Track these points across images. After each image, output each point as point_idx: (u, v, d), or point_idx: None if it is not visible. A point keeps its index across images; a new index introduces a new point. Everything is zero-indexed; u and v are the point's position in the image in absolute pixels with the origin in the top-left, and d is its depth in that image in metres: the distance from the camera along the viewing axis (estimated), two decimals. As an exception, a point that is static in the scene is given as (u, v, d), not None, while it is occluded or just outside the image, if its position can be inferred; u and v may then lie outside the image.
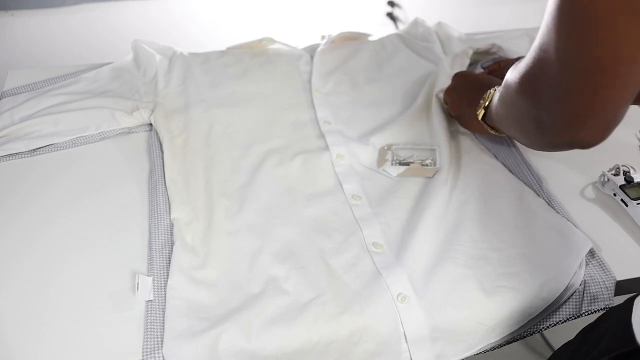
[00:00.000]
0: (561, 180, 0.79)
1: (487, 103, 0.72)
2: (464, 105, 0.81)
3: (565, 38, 0.47)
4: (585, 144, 0.52)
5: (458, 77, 0.85)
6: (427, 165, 0.79)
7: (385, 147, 0.82)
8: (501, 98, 0.64)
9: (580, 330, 0.61)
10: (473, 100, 0.76)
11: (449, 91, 0.85)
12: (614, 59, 0.46)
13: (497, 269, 0.66)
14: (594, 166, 0.80)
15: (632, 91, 0.49)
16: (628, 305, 0.53)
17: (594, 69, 0.47)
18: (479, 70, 0.96)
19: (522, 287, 0.64)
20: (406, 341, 0.61)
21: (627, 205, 0.74)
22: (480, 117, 0.74)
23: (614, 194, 0.76)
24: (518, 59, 0.88)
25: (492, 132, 0.75)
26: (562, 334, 1.28)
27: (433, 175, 0.77)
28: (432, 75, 0.94)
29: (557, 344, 1.33)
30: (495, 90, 0.71)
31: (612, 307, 0.61)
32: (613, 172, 0.77)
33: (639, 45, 0.45)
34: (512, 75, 0.58)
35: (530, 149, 0.84)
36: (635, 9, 0.43)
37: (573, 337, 0.63)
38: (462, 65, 0.95)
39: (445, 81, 0.91)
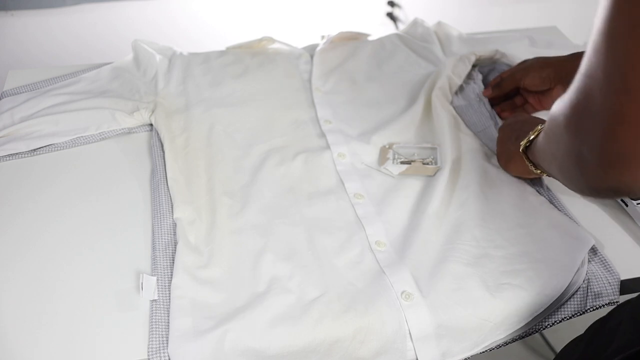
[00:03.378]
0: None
1: (532, 136, 0.65)
2: (511, 141, 0.74)
3: (616, 59, 0.40)
4: (633, 189, 0.45)
5: (516, 116, 0.80)
6: (428, 164, 0.79)
7: (387, 146, 0.82)
8: (545, 131, 0.57)
9: (591, 326, 0.61)
10: (522, 135, 0.69)
11: (502, 127, 0.79)
12: None
13: (500, 266, 0.66)
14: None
15: None
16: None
17: None
18: (477, 75, 0.95)
19: (526, 285, 0.64)
20: (411, 339, 0.61)
21: (627, 206, 0.74)
22: (522, 148, 0.68)
23: (615, 194, 0.76)
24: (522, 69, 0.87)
25: (534, 169, 0.68)
26: (562, 334, 1.28)
27: (434, 174, 0.77)
28: (433, 74, 0.94)
29: (557, 344, 1.33)
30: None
31: (624, 302, 0.60)
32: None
33: None
34: (557, 106, 0.50)
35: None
36: None
37: (579, 334, 0.62)
38: (464, 70, 0.95)
39: (446, 81, 0.91)
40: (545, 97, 0.87)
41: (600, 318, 0.61)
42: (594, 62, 0.42)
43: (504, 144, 0.77)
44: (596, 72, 0.42)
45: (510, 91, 0.90)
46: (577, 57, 0.82)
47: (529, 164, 0.68)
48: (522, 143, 0.67)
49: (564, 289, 0.64)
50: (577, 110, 0.46)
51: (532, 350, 1.36)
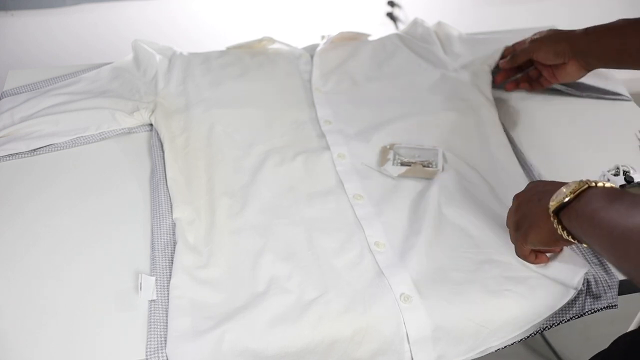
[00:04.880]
0: (562, 180, 0.79)
1: (570, 197, 0.55)
2: (533, 202, 0.62)
3: None
4: None
5: (535, 184, 0.67)
6: (428, 166, 0.79)
7: (387, 146, 0.82)
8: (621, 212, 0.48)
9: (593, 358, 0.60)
10: (547, 195, 0.58)
11: (519, 194, 0.66)
12: None
13: (502, 272, 0.66)
14: (594, 166, 0.80)
15: None
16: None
17: None
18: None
19: (527, 293, 0.64)
20: (408, 341, 0.61)
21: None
22: (552, 210, 0.56)
23: (615, 194, 0.75)
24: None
25: (565, 235, 0.57)
26: (562, 334, 1.28)
27: (433, 177, 0.77)
28: (437, 75, 0.94)
29: (557, 343, 1.33)
30: (594, 186, 0.55)
31: (626, 333, 0.60)
32: (613, 172, 0.77)
33: None
34: None
35: (529, 148, 0.84)
36: None
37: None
38: (487, 82, 0.93)
39: (450, 83, 0.91)
40: (559, 71, 0.85)
41: (603, 350, 0.59)
42: None
43: (522, 208, 0.64)
44: None
45: (524, 64, 0.89)
46: (591, 32, 0.82)
47: (560, 229, 0.57)
48: (552, 205, 0.56)
49: (565, 302, 0.64)
50: None
51: (532, 350, 1.36)
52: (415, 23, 1.06)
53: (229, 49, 1.02)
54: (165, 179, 0.77)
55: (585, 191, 0.55)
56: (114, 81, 0.94)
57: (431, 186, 0.76)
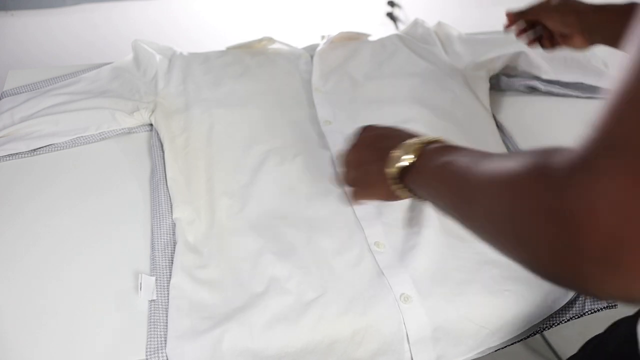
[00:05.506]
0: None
1: (408, 161, 0.51)
2: (371, 163, 0.57)
3: None
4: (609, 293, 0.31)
5: (370, 129, 0.63)
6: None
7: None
8: (469, 167, 0.42)
9: (587, 342, 0.60)
10: (385, 154, 0.54)
11: (354, 145, 0.62)
12: None
13: (502, 272, 0.66)
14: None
15: None
16: (636, 317, 0.51)
17: None
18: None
19: (527, 293, 0.64)
20: (408, 342, 0.61)
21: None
22: (391, 175, 0.52)
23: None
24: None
25: (406, 194, 0.53)
26: (562, 334, 1.28)
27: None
28: (437, 76, 0.94)
29: (557, 343, 1.33)
30: (435, 143, 0.51)
31: (621, 319, 0.59)
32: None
33: None
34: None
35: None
36: None
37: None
38: (484, 89, 0.94)
39: (450, 85, 0.91)
40: (565, 40, 0.85)
41: (597, 335, 0.59)
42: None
43: (361, 167, 0.59)
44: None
45: (533, 23, 0.89)
46: (600, 10, 0.82)
47: (398, 188, 0.52)
48: (390, 170, 0.52)
49: (564, 302, 0.64)
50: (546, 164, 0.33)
51: (532, 350, 1.36)
52: (416, 23, 1.06)
53: (229, 49, 1.02)
54: (165, 179, 0.77)
55: (424, 150, 0.51)
56: (114, 81, 0.94)
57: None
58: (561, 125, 0.90)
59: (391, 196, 0.55)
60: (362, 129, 0.62)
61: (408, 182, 0.52)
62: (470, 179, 0.42)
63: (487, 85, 0.94)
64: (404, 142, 0.52)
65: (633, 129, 0.29)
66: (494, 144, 0.84)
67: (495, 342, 0.64)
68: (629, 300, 0.30)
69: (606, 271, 0.29)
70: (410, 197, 0.53)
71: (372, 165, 0.56)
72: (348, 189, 0.62)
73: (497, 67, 0.97)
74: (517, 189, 0.35)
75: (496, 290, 0.64)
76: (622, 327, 0.56)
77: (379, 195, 0.58)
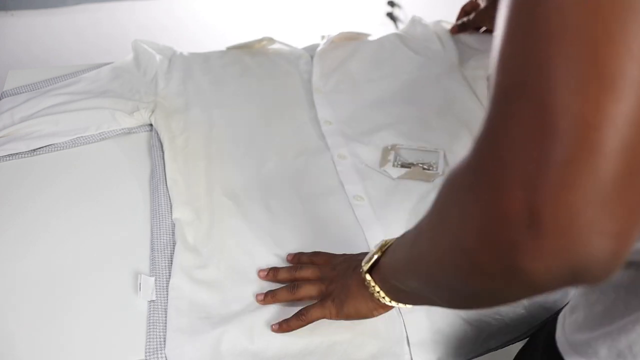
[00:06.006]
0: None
1: (377, 255, 0.54)
2: (347, 276, 0.59)
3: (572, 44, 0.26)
4: (609, 267, 0.28)
5: (335, 257, 0.64)
6: (429, 169, 0.79)
7: (389, 147, 0.82)
8: (416, 231, 0.43)
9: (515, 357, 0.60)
10: (359, 263, 0.56)
11: (330, 273, 0.61)
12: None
13: None
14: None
15: None
16: (554, 324, 0.51)
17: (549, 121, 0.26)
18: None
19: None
20: (408, 344, 0.61)
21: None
22: (365, 270, 0.54)
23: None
24: None
25: (382, 297, 0.54)
26: (562, 334, 1.27)
27: (433, 181, 0.77)
28: (437, 75, 0.94)
29: (557, 344, 1.33)
30: (391, 242, 0.53)
31: (540, 327, 0.59)
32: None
33: None
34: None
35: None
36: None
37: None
38: (482, 86, 0.94)
39: (449, 84, 0.91)
40: None
41: (522, 347, 0.60)
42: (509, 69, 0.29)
43: (339, 282, 0.60)
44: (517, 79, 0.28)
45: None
46: None
47: (376, 292, 0.54)
48: (365, 265, 0.54)
49: (564, 303, 0.64)
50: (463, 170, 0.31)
51: (532, 350, 1.36)
52: (414, 21, 1.06)
53: (229, 49, 1.02)
54: (165, 179, 0.77)
55: (388, 243, 0.53)
56: (114, 81, 0.94)
57: (432, 188, 0.76)
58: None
59: (370, 304, 0.56)
60: (339, 260, 0.63)
61: (376, 281, 0.54)
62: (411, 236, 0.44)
63: (485, 83, 0.94)
64: (367, 255, 0.55)
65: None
66: None
67: (494, 344, 0.64)
68: (570, 271, 0.28)
69: (532, 235, 0.27)
70: (388, 303, 0.54)
71: (349, 275, 0.58)
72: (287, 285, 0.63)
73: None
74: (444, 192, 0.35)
75: None
76: (541, 335, 0.55)
77: (358, 305, 0.57)
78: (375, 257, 0.54)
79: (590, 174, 0.26)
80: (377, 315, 0.58)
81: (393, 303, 0.54)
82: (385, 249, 0.53)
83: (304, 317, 0.59)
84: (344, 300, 0.58)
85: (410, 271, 0.45)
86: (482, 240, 0.30)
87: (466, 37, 1.04)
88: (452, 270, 0.34)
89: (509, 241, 0.28)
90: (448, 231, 0.34)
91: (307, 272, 0.63)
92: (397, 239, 0.50)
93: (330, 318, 0.59)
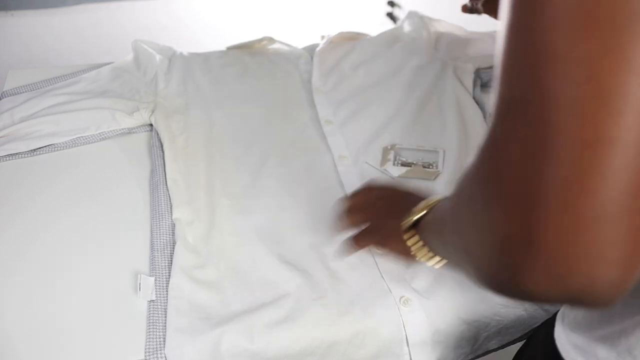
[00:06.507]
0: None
1: (418, 215, 0.52)
2: (393, 216, 0.57)
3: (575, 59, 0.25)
4: (615, 293, 0.27)
5: (392, 186, 0.62)
6: (429, 167, 0.79)
7: (389, 147, 0.82)
8: (449, 208, 0.42)
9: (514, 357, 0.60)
10: (405, 211, 0.55)
11: (376, 198, 0.62)
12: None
13: None
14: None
15: None
16: (553, 322, 0.51)
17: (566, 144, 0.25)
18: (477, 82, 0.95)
19: None
20: (407, 344, 0.61)
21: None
22: (404, 227, 0.53)
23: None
24: None
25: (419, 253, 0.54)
26: (562, 334, 1.27)
27: (435, 179, 0.77)
28: (434, 74, 0.94)
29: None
30: (441, 200, 0.52)
31: (539, 327, 0.58)
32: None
33: None
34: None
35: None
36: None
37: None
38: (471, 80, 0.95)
39: (446, 82, 0.91)
40: None
41: (521, 347, 0.59)
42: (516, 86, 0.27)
43: (379, 219, 0.60)
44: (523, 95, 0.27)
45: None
46: None
47: (415, 244, 0.53)
48: (404, 222, 0.53)
49: (563, 305, 0.63)
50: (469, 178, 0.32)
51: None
52: (411, 19, 1.06)
53: (229, 49, 1.02)
54: (165, 179, 0.77)
55: (436, 202, 0.51)
56: (114, 81, 0.94)
57: (433, 188, 0.76)
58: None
59: (406, 251, 0.55)
60: (370, 187, 0.63)
61: (420, 235, 0.53)
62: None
63: (472, 76, 0.94)
64: (418, 205, 0.53)
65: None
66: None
67: (493, 345, 0.64)
68: (572, 295, 0.27)
69: (531, 257, 0.26)
70: (422, 250, 0.54)
71: (390, 220, 0.57)
72: (352, 233, 0.62)
73: (488, 62, 0.97)
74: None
75: None
76: (540, 334, 0.55)
77: (394, 246, 0.58)
78: (417, 217, 0.53)
79: (588, 196, 0.25)
80: (414, 263, 0.57)
81: (423, 260, 0.54)
82: (430, 207, 0.52)
83: (356, 244, 0.60)
84: (386, 237, 0.58)
85: (441, 243, 0.46)
86: (486, 252, 0.30)
87: (457, 31, 1.04)
88: (470, 269, 0.34)
89: (510, 258, 0.28)
90: (461, 234, 0.35)
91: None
92: (440, 203, 0.49)
93: (377, 249, 0.61)
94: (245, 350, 0.59)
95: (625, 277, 0.26)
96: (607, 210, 0.25)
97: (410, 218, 0.53)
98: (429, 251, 0.53)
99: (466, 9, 1.00)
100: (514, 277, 0.28)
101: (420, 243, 0.53)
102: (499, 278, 0.29)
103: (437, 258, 0.53)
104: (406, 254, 0.56)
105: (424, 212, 0.52)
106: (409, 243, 0.54)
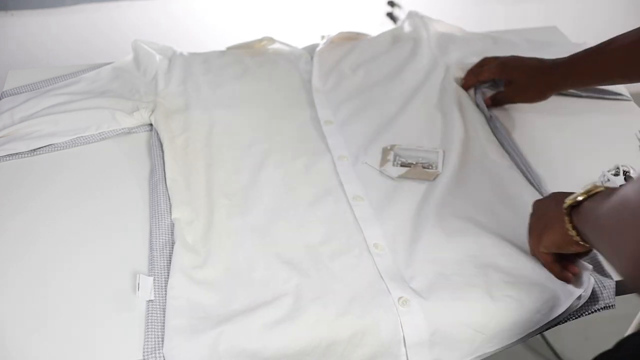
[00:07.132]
0: (561, 180, 0.79)
1: (583, 197, 0.56)
2: (551, 207, 0.62)
3: None
4: None
5: (553, 193, 0.66)
6: (428, 168, 0.79)
7: (389, 147, 0.82)
8: (614, 208, 0.47)
9: (597, 357, 0.60)
10: (564, 198, 0.58)
11: (537, 201, 0.68)
12: None
13: (504, 277, 0.65)
14: (594, 166, 0.80)
15: None
16: None
17: None
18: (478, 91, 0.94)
19: (526, 300, 0.63)
20: (405, 345, 0.61)
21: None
22: (566, 205, 0.57)
23: (615, 195, 0.75)
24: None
25: (575, 236, 0.57)
26: (562, 334, 1.28)
27: (434, 179, 0.77)
28: (433, 74, 0.94)
29: (557, 343, 1.33)
30: (605, 190, 0.55)
31: (631, 334, 0.58)
32: (613, 172, 0.77)
33: None
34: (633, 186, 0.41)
35: (529, 147, 0.84)
36: None
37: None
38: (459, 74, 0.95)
39: (445, 82, 0.91)
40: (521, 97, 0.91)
41: (607, 350, 0.59)
42: None
43: (538, 212, 0.65)
44: None
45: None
46: (561, 64, 0.82)
47: (570, 229, 0.57)
48: (568, 201, 0.57)
49: (561, 311, 0.63)
50: None
51: (532, 350, 1.36)
52: (411, 17, 1.06)
53: (229, 49, 1.02)
54: (165, 179, 0.77)
55: (597, 192, 0.55)
56: (114, 81, 0.94)
57: (432, 188, 0.76)
58: (559, 122, 0.90)
59: (565, 239, 0.59)
60: (551, 194, 0.67)
61: (575, 220, 0.57)
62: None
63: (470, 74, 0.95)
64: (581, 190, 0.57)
65: None
66: (485, 139, 0.84)
67: (491, 347, 0.63)
68: None
69: None
70: (581, 243, 0.58)
71: (551, 208, 0.61)
72: (530, 245, 0.67)
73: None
74: None
75: (497, 295, 0.63)
76: (630, 343, 0.55)
77: (555, 237, 0.61)
78: (580, 198, 0.56)
79: None
80: (573, 252, 0.60)
81: (585, 244, 0.57)
82: (592, 193, 0.55)
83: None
84: (542, 231, 0.63)
85: (605, 234, 0.49)
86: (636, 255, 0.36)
87: (457, 32, 1.04)
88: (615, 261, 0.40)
89: None
90: (613, 233, 0.41)
91: None
92: (607, 194, 0.52)
93: (535, 251, 0.65)
94: (243, 350, 0.59)
95: None
96: None
97: (576, 196, 0.56)
98: (581, 240, 0.57)
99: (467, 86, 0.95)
100: None
101: (574, 232, 0.57)
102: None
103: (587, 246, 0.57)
104: (563, 243, 0.60)
105: (584, 196, 0.56)
106: (567, 227, 0.57)
